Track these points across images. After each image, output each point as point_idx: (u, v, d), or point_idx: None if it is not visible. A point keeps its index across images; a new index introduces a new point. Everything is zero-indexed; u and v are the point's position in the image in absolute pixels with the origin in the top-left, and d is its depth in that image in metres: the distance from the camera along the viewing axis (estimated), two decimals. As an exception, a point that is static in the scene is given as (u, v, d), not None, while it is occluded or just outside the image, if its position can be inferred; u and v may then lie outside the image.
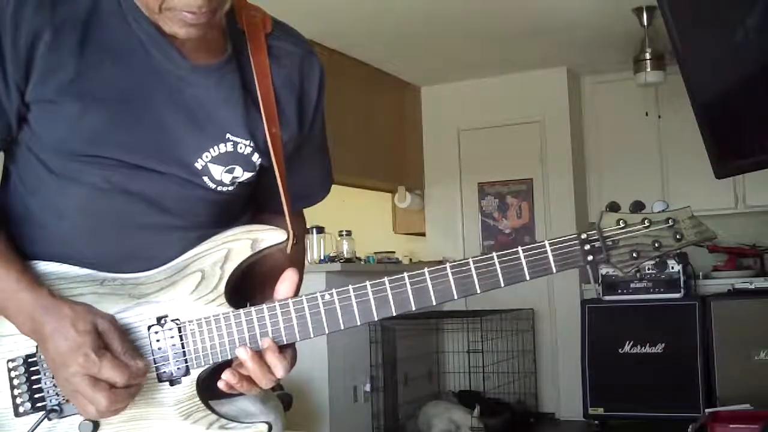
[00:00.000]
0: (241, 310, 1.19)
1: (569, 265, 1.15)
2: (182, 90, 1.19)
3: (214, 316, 1.19)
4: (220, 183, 1.24)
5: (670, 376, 5.18)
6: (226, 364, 1.19)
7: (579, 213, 6.12)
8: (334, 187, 1.47)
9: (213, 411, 1.20)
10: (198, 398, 1.19)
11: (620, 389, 5.31)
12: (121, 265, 1.20)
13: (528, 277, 1.15)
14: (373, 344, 5.21)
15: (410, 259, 6.35)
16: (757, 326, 5.05)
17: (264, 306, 1.19)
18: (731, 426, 4.12)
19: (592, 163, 6.35)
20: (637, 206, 1.16)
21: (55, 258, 1.20)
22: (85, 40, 1.15)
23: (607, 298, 5.50)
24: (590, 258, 1.15)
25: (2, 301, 1.16)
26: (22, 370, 1.19)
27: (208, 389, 1.21)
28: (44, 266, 1.20)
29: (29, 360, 1.19)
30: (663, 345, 5.26)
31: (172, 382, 1.19)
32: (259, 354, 1.17)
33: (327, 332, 1.18)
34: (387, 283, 1.17)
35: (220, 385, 1.18)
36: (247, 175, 1.26)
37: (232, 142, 1.22)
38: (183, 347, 1.18)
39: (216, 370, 1.20)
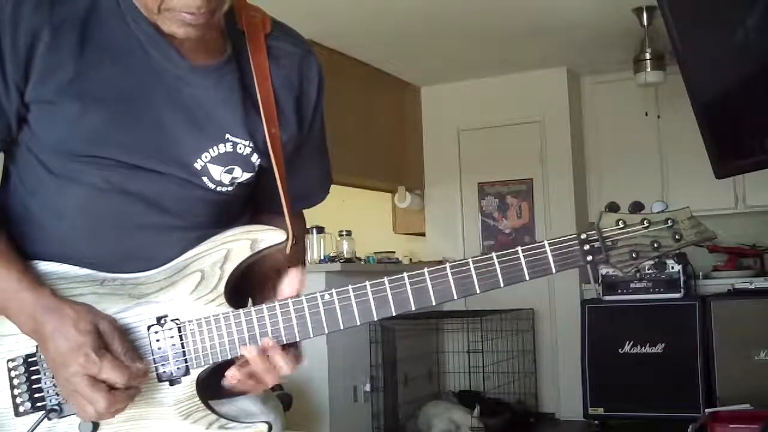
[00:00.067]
0: (241, 310, 1.19)
1: (569, 265, 1.15)
2: (181, 90, 1.19)
3: (213, 316, 1.19)
4: (220, 183, 1.24)
5: (670, 376, 5.18)
6: (226, 364, 1.19)
7: (579, 213, 6.12)
8: (334, 187, 1.47)
9: (213, 411, 1.20)
10: (198, 398, 1.19)
11: (620, 389, 5.30)
12: (121, 265, 1.21)
13: (528, 278, 1.15)
14: (373, 344, 5.21)
15: (410, 259, 6.35)
16: (757, 326, 5.05)
17: (264, 306, 1.19)
18: (731, 426, 4.12)
19: (592, 163, 6.35)
20: (637, 207, 1.16)
21: (55, 258, 1.20)
22: (85, 40, 1.15)
23: (607, 298, 5.50)
24: (590, 258, 1.15)
25: (3, 300, 1.16)
26: (22, 369, 1.19)
27: (208, 389, 1.21)
28: (45, 266, 1.20)
29: (29, 360, 1.19)
30: (663, 345, 5.25)
31: (172, 382, 1.19)
32: (264, 352, 1.17)
33: (326, 332, 1.18)
34: (387, 283, 1.17)
35: (225, 382, 1.18)
36: (247, 175, 1.26)
37: (231, 143, 1.22)
38: (183, 347, 1.19)
39: (216, 371, 1.20)
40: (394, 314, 1.17)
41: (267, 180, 1.27)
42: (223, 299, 1.19)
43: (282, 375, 1.18)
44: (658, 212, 1.15)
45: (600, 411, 5.37)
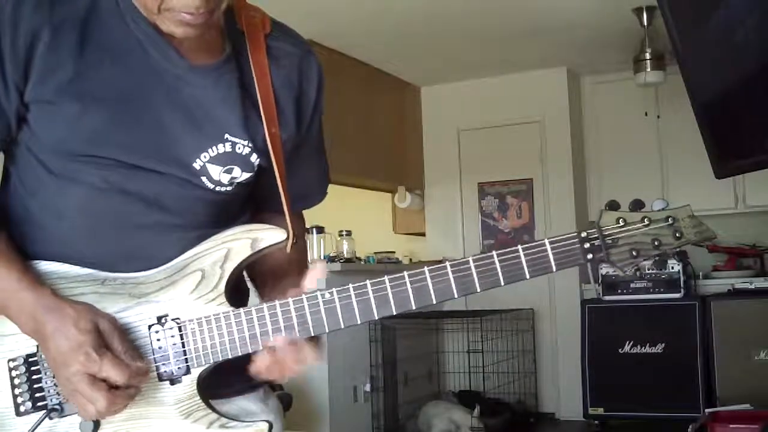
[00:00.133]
0: (242, 310, 1.19)
1: (569, 263, 1.15)
2: (180, 89, 1.20)
3: (214, 315, 1.19)
4: (219, 183, 1.24)
5: (670, 376, 5.18)
6: (227, 364, 1.19)
7: (579, 213, 6.12)
8: (334, 187, 1.47)
9: (213, 410, 1.20)
10: (198, 397, 1.19)
11: (620, 389, 5.30)
12: (121, 264, 1.21)
13: (528, 276, 1.15)
14: (373, 344, 5.21)
15: (410, 259, 6.35)
16: (757, 326, 5.04)
17: (264, 305, 1.19)
18: (731, 426, 4.12)
19: (592, 163, 6.35)
20: (637, 205, 1.16)
21: (55, 258, 1.20)
22: (84, 40, 1.15)
23: (607, 298, 5.50)
24: (590, 256, 1.15)
25: (4, 300, 1.16)
26: (23, 369, 1.19)
27: (209, 388, 1.21)
28: (45, 266, 1.20)
29: (30, 359, 1.19)
30: (663, 345, 5.25)
31: (173, 381, 1.19)
32: (294, 342, 1.17)
33: (327, 331, 1.18)
34: (387, 281, 1.17)
35: (253, 367, 1.18)
36: (246, 175, 1.26)
37: (230, 143, 1.22)
38: (183, 346, 1.19)
39: (216, 370, 1.20)
40: (394, 313, 1.17)
41: (266, 180, 1.27)
42: (223, 298, 1.19)
43: (308, 365, 1.19)
44: (659, 210, 1.15)
45: (600, 411, 5.37)
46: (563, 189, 6.12)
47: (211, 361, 1.19)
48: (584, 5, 4.82)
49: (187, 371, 1.19)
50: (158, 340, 1.19)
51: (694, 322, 5.20)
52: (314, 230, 5.30)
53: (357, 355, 5.06)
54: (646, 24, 4.98)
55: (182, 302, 1.19)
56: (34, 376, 1.19)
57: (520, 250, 1.15)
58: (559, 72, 6.13)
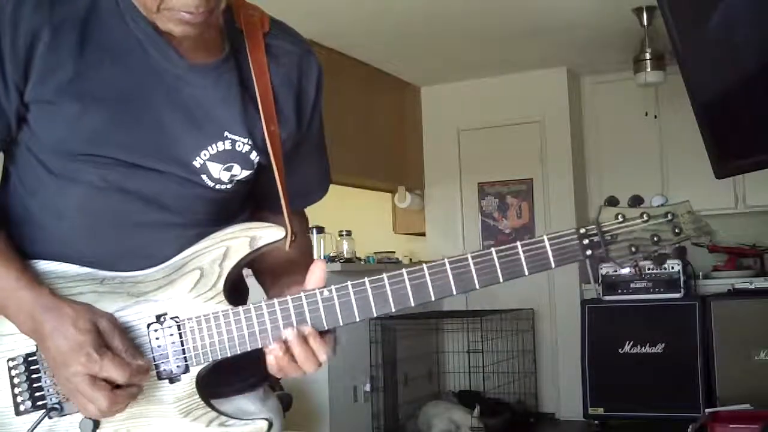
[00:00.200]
0: (240, 308, 1.19)
1: (568, 259, 1.14)
2: (180, 89, 1.20)
3: (213, 313, 1.19)
4: (219, 181, 1.24)
5: (670, 376, 5.18)
6: (226, 362, 1.19)
7: (579, 213, 6.11)
8: (334, 187, 1.47)
9: (213, 408, 1.20)
10: (198, 396, 1.19)
11: (620, 389, 5.30)
12: (120, 263, 1.21)
13: (527, 272, 1.15)
14: (373, 344, 5.21)
15: (410, 259, 6.35)
16: (757, 326, 5.04)
17: (263, 303, 1.19)
18: (731, 426, 4.12)
19: (592, 163, 6.36)
20: (636, 200, 1.15)
21: (55, 258, 1.20)
22: (84, 40, 1.15)
23: (607, 298, 5.50)
24: (589, 252, 1.14)
25: (2, 300, 1.16)
26: (22, 368, 1.19)
27: (208, 387, 1.21)
28: (44, 265, 1.20)
29: (29, 359, 1.19)
30: (663, 345, 5.25)
31: (172, 380, 1.19)
32: (303, 338, 1.17)
33: (325, 329, 1.18)
34: (386, 279, 1.17)
35: (269, 358, 1.17)
36: (246, 173, 1.26)
37: (230, 141, 1.22)
38: (182, 345, 1.19)
39: (216, 368, 1.20)
40: (393, 310, 1.17)
41: (266, 177, 1.27)
42: (222, 297, 1.19)
43: (320, 361, 1.18)
44: (658, 206, 1.15)
45: (600, 411, 5.37)
46: (563, 189, 6.12)
47: (210, 360, 1.19)
48: (584, 5, 4.83)
49: (186, 370, 1.19)
50: (157, 338, 1.18)
51: (694, 322, 5.20)
52: (314, 230, 5.30)
53: (357, 355, 5.06)
54: (646, 24, 4.98)
55: (181, 301, 1.19)
56: (34, 376, 1.19)
57: (519, 247, 1.15)
58: (559, 72, 6.13)
